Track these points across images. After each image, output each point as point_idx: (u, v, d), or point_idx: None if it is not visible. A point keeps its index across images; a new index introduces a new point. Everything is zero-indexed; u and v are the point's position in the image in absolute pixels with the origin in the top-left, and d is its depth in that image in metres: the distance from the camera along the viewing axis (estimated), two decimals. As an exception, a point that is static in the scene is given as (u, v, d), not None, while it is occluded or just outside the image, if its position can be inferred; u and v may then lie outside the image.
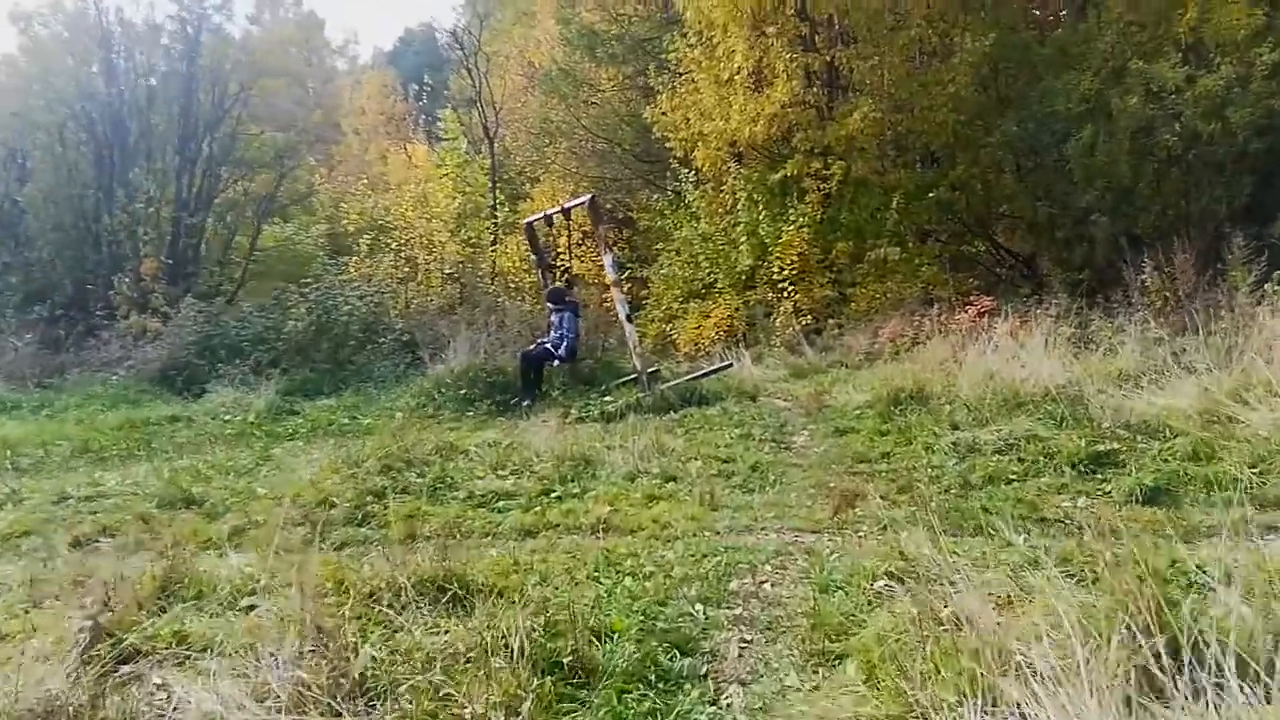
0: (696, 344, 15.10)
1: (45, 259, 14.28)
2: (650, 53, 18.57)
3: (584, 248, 21.98)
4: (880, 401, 9.23)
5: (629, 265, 20.76)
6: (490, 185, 18.59)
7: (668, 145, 17.18)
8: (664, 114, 16.80)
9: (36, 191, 14.60)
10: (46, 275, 14.03)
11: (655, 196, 18.45)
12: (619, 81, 20.19)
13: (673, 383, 10.60)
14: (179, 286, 14.41)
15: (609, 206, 22.65)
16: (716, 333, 14.92)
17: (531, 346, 11.41)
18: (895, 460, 7.39)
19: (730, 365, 11.40)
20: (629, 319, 10.38)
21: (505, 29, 26.89)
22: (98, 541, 5.92)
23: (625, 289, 21.36)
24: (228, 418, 9.96)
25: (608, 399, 10.43)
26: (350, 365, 12.51)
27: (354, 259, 18.17)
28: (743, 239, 15.67)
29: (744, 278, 15.62)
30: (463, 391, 11.23)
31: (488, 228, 18.44)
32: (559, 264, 15.87)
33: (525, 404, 10.76)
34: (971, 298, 13.01)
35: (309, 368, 12.18)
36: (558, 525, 5.83)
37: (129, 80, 14.72)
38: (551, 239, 12.30)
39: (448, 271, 16.66)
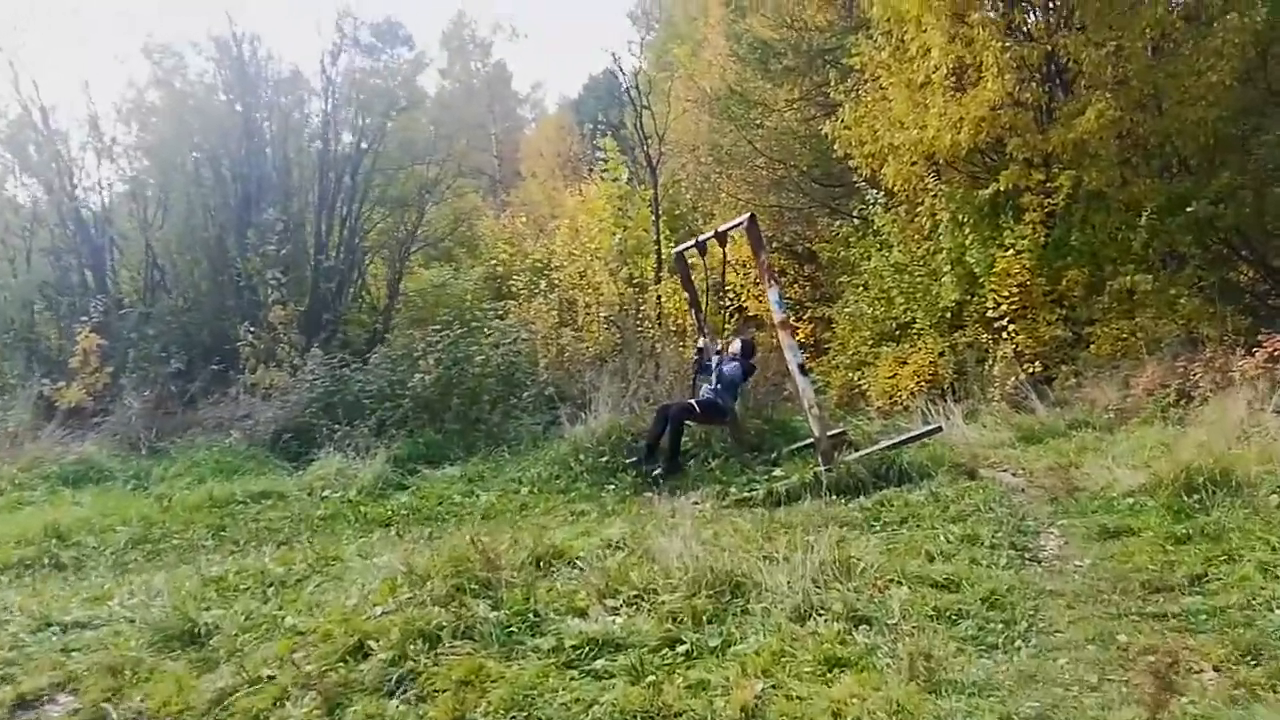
0: (891, 396, 12.54)
1: (181, 307, 13.60)
2: (830, 63, 16.32)
3: (761, 285, 19.91)
4: (1164, 486, 6.55)
5: (809, 304, 18.43)
6: (653, 218, 16.76)
7: (851, 164, 14.79)
8: (846, 128, 14.46)
9: (172, 234, 14.01)
10: (182, 325, 13.32)
11: (838, 223, 16.05)
12: (795, 97, 17.99)
13: (863, 453, 8.24)
14: (319, 335, 13.31)
15: (786, 239, 20.45)
16: (916, 383, 12.31)
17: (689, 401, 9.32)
18: (1214, 591, 4.80)
19: (938, 429, 8.91)
20: (802, 370, 8.13)
21: (680, 60, 25.37)
22: (50, 701, 4.28)
23: (804, 331, 19.11)
24: (326, 494, 8.43)
25: (777, 473, 8.20)
26: (482, 425, 10.84)
27: (516, 303, 16.87)
28: (946, 269, 13.03)
29: (949, 315, 12.95)
30: (604, 459, 9.31)
31: (651, 265, 16.62)
32: (724, 299, 13.79)
33: (654, 472, 8.72)
34: (1261, 338, 9.90)
35: (435, 428, 10.60)
36: (680, 714, 3.68)
37: (266, 115, 13.94)
38: (705, 271, 10.22)
39: (604, 315, 14.91)
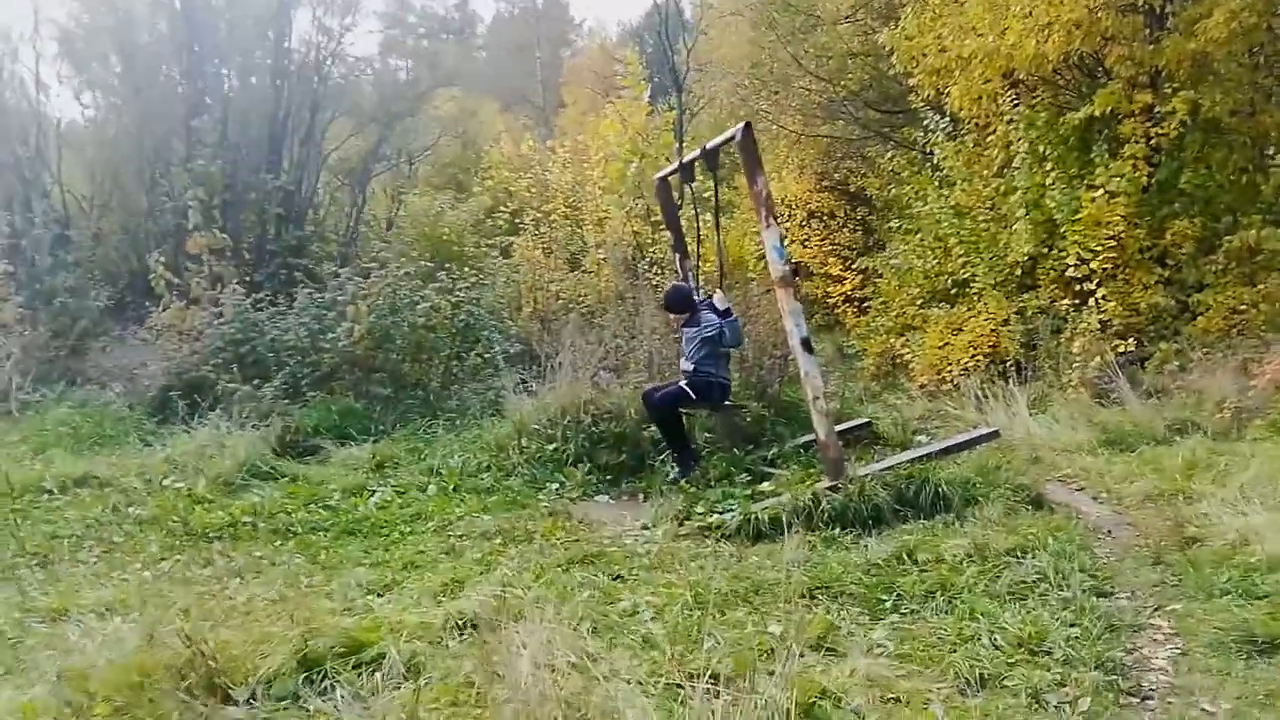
0: (939, 371, 10.13)
1: (101, 231, 11.63)
2: (895, -37, 13.59)
3: (807, 228, 17.48)
4: (1340, 561, 4.24)
5: (855, 251, 15.94)
6: (676, 144, 14.34)
7: (911, 83, 12.19)
8: (908, 37, 11.83)
9: (107, 141, 11.99)
10: (104, 252, 11.36)
11: (890, 154, 13.46)
12: (850, 2, 15.24)
13: (886, 463, 5.98)
14: (264, 269, 11.29)
15: (838, 177, 17.86)
16: (971, 356, 9.89)
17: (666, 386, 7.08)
18: None
19: (995, 434, 6.54)
20: (806, 345, 5.84)
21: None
22: None
23: (852, 282, 16.62)
24: (167, 482, 6.42)
25: (765, 486, 5.98)
26: (417, 392, 8.76)
27: (519, 240, 14.71)
28: (1019, 213, 10.44)
29: (1019, 273, 10.43)
30: (553, 447, 7.15)
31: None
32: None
33: (678, 475, 6.69)
34: None
35: (358, 393, 8.54)
36: None
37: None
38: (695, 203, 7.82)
39: (603, 256, 12.65)
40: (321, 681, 3.22)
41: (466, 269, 10.76)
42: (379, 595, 4.38)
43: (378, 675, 3.25)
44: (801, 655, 3.45)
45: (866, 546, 4.96)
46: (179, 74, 11.61)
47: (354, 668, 3.31)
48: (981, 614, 3.94)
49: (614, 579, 4.55)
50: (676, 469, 6.77)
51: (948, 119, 11.79)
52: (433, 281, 9.31)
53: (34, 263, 11.27)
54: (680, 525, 5.59)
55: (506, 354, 9.39)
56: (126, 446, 7.61)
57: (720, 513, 5.61)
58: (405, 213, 15.78)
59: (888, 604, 4.16)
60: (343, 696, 3.10)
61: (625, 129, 14.83)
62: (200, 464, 6.68)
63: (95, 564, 5.02)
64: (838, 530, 5.27)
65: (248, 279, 10.75)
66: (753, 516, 5.40)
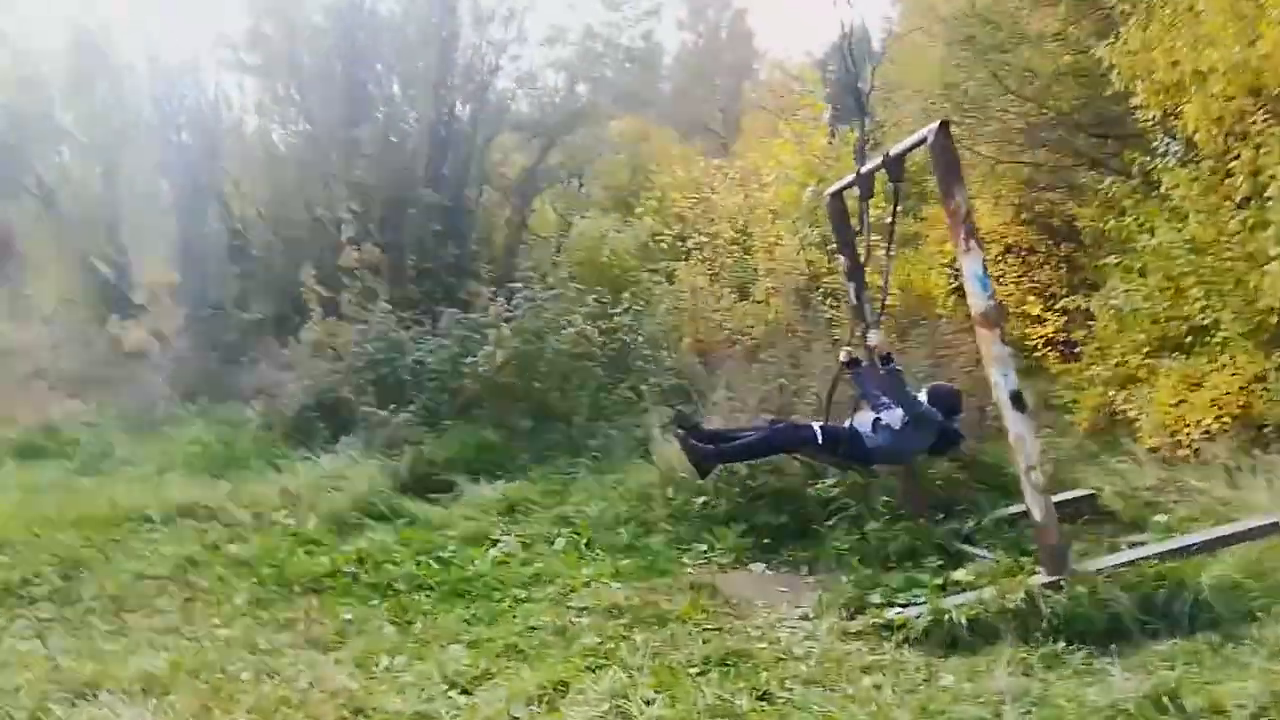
0: (1174, 435, 8.43)
1: (264, 243, 11.52)
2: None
3: (1003, 264, 15.89)
4: None
5: (1061, 290, 14.19)
6: (858, 167, 13.18)
7: (1133, 103, 10.56)
8: (1131, 52, 10.26)
9: (263, 152, 11.99)
10: (263, 267, 11.25)
11: (1108, 182, 11.77)
12: (1060, 17, 13.66)
13: (1125, 557, 4.64)
14: (421, 286, 10.87)
15: (1039, 209, 16.14)
16: (1216, 418, 8.19)
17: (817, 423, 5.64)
18: None
19: (1276, 525, 5.03)
20: (1017, 401, 4.58)
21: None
22: None
23: (1054, 325, 14.83)
24: (277, 517, 5.83)
25: (961, 578, 4.76)
26: (560, 426, 7.98)
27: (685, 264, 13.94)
28: (1273, 251, 8.70)
29: (1275, 321, 8.67)
30: (701, 500, 6.18)
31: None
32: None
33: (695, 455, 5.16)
34: None
35: (497, 424, 7.83)
36: None
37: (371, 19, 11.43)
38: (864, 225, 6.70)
39: (770, 286, 11.61)
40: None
41: (625, 294, 10.02)
42: (464, 692, 3.51)
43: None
44: None
45: (1106, 676, 3.70)
46: (341, 78, 11.37)
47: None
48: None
49: (758, 698, 3.49)
50: (698, 448, 5.08)
51: (1179, 142, 10.11)
52: (582, 305, 8.56)
53: (203, 273, 11.33)
54: (851, 618, 4.46)
55: (660, 389, 8.48)
56: (251, 471, 7.16)
57: (902, 606, 4.46)
58: (571, 235, 15.28)
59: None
60: None
61: (801, 150, 13.81)
62: (316, 498, 6.08)
63: (170, 614, 4.40)
64: (1060, 646, 4.01)
65: (404, 296, 10.33)
66: (946, 616, 4.21)
